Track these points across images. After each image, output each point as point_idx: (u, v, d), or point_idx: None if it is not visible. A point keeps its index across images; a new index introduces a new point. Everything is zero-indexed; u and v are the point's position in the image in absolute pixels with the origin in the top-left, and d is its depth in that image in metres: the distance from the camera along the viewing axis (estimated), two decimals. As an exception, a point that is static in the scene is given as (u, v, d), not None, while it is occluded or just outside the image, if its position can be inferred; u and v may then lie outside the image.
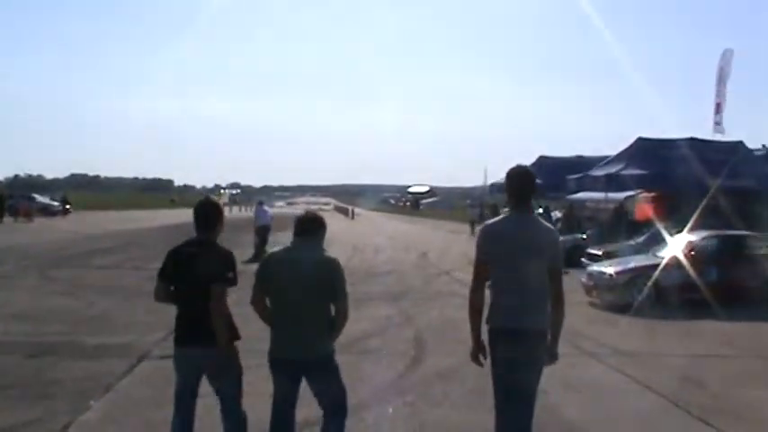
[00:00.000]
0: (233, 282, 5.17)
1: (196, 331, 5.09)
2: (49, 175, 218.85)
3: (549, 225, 5.47)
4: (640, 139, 25.71)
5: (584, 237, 23.08)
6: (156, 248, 26.06)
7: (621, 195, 24.83)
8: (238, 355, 5.28)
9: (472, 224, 53.85)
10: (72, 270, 19.10)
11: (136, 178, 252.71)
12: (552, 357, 5.04)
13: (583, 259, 19.18)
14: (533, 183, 5.27)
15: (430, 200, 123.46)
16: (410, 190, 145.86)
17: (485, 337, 5.03)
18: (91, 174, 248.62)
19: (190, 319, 5.17)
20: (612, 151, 28.68)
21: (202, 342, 5.06)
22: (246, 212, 72.81)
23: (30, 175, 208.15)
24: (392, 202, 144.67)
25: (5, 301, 13.67)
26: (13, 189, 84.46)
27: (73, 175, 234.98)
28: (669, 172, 23.27)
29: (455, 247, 30.45)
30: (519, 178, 5.16)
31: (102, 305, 13.47)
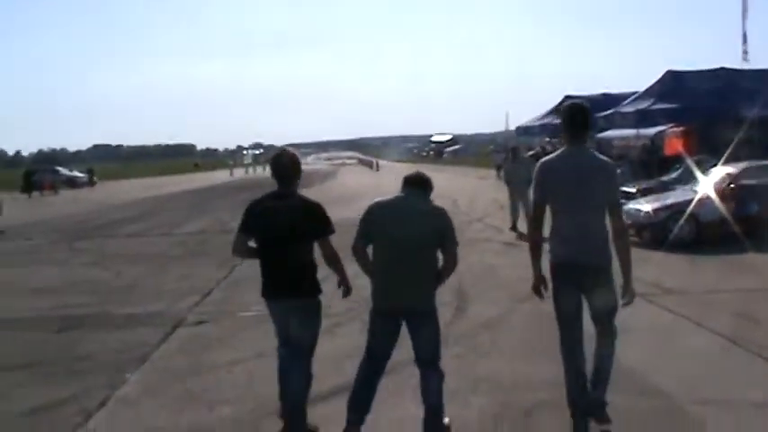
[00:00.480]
0: (333, 230, 5.34)
1: (283, 282, 5.20)
2: (72, 148, 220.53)
3: (605, 158, 5.37)
4: (669, 72, 24.91)
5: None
6: (181, 213, 26.16)
7: (652, 131, 24.21)
8: (321, 309, 5.36)
9: (498, 168, 53.53)
10: (99, 240, 18.89)
11: (158, 145, 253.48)
12: (630, 295, 5.07)
13: (616, 197, 18.78)
14: (588, 117, 5.30)
15: (453, 148, 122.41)
16: (433, 139, 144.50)
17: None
18: (114, 144, 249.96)
19: (277, 271, 5.23)
20: (639, 87, 28.06)
21: (289, 292, 5.18)
22: (269, 171, 72.45)
23: (53, 150, 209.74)
24: (415, 152, 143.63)
25: (31, 275, 13.52)
26: (38, 164, 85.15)
27: (96, 147, 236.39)
28: (700, 104, 22.59)
29: (484, 193, 30.02)
30: (572, 113, 5.24)
31: (132, 274, 13.22)
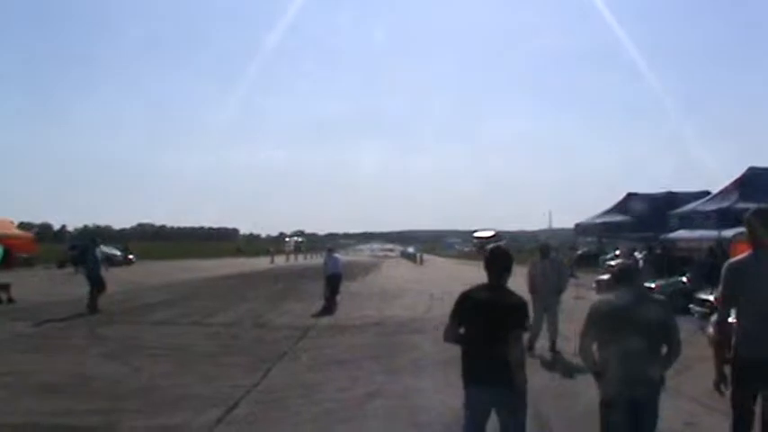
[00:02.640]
0: (527, 329, 5.62)
1: (491, 371, 5.26)
2: (117, 226, 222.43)
3: None
4: (752, 169, 22.96)
5: (684, 280, 20.65)
6: (216, 301, 24.67)
7: (730, 233, 22.28)
8: (526, 396, 5.36)
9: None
10: (124, 327, 17.37)
11: (201, 228, 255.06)
12: None
13: (691, 306, 16.84)
14: None
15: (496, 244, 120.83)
16: (476, 234, 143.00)
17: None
18: (157, 224, 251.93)
19: (484, 360, 5.33)
20: (699, 187, 26.37)
21: (496, 382, 5.24)
22: (311, 260, 71.58)
23: (98, 226, 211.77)
24: (456, 247, 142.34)
25: (41, 367, 11.79)
26: (83, 239, 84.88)
27: (140, 225, 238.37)
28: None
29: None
30: (763, 219, 5.42)
31: (152, 371, 11.55)
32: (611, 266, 29.76)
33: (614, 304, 5.42)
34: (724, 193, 23.44)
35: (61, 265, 51.10)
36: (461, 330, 5.54)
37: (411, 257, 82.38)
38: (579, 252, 58.14)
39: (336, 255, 25.17)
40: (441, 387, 10.19)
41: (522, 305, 5.49)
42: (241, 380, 10.78)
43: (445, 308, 20.40)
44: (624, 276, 5.51)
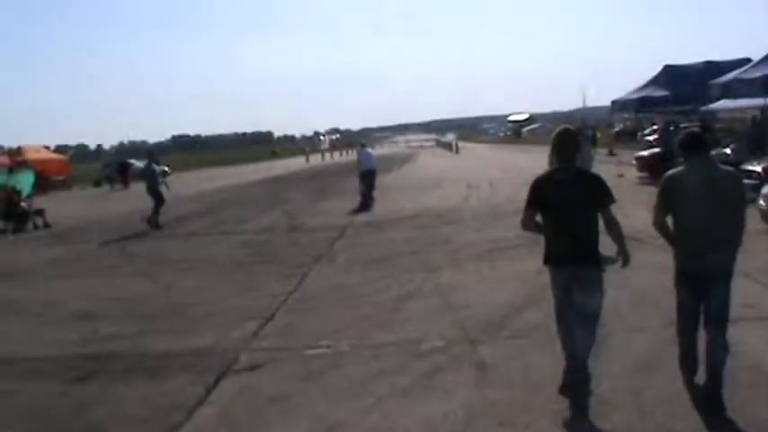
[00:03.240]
0: (614, 199, 5.39)
1: (575, 251, 5.29)
2: (153, 140, 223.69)
3: None
4: None
5: (728, 152, 19.50)
6: (249, 207, 24.22)
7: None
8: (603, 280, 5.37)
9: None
10: (156, 242, 17.06)
11: (236, 134, 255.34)
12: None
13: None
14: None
15: (531, 126, 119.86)
16: (510, 118, 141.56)
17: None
18: (192, 134, 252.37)
19: (568, 241, 5.30)
20: (743, 54, 24.92)
21: (579, 261, 5.30)
22: (347, 156, 71.05)
23: (133, 142, 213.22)
24: (491, 132, 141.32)
25: (69, 293, 11.40)
26: (120, 156, 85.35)
27: (174, 137, 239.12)
28: None
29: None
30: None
31: (183, 288, 11.15)
32: (650, 142, 28.72)
33: (688, 174, 5.24)
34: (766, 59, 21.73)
35: (96, 183, 51.44)
36: (538, 218, 5.51)
37: (446, 146, 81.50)
38: (616, 129, 56.81)
39: (369, 150, 24.45)
40: (474, 283, 9.76)
41: (600, 178, 5.52)
42: (278, 288, 10.35)
43: (482, 196, 19.85)
44: (694, 145, 5.26)
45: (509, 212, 15.50)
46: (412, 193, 24.73)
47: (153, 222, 19.58)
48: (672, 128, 25.80)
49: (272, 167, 57.84)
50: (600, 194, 5.30)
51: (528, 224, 5.56)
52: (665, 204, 5.32)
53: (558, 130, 5.57)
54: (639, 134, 41.87)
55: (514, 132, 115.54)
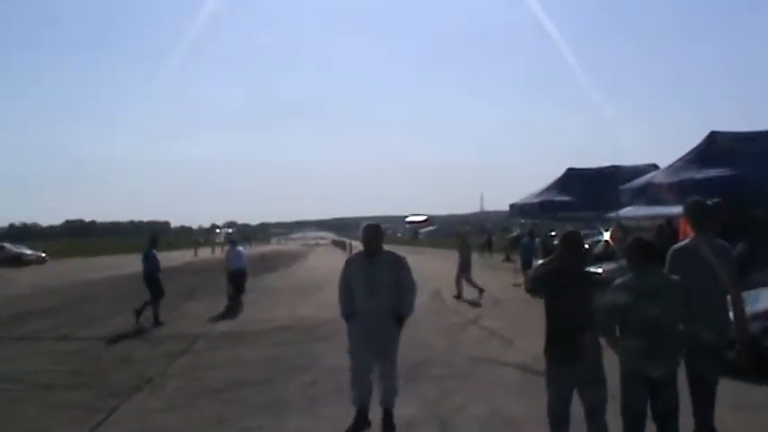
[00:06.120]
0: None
1: (572, 348, 5.48)
2: (45, 223, 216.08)
3: None
4: (714, 134, 19.76)
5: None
6: (108, 305, 21.44)
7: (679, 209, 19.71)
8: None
9: (482, 250, 49.26)
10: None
11: (132, 221, 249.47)
12: None
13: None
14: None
15: (428, 229, 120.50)
16: (408, 219, 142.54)
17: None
18: (87, 219, 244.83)
19: (575, 338, 5.46)
20: (643, 160, 24.07)
21: (578, 357, 5.48)
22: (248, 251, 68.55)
23: (25, 224, 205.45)
24: (389, 232, 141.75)
25: None
26: (9, 238, 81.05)
27: (68, 222, 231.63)
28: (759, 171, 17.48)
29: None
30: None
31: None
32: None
33: (636, 284, 5.46)
34: (683, 162, 20.29)
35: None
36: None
37: (341, 245, 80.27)
38: (513, 234, 55.86)
39: (240, 247, 21.96)
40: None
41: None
42: None
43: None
44: (641, 253, 5.55)
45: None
46: (289, 298, 22.37)
47: (156, 318, 17.18)
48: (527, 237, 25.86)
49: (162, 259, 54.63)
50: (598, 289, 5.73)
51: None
52: (612, 312, 5.50)
53: (565, 234, 6.04)
54: (538, 239, 40.90)
55: (412, 233, 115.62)
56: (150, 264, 17.65)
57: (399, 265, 7.56)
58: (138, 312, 17.07)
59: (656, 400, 5.46)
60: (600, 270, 13.00)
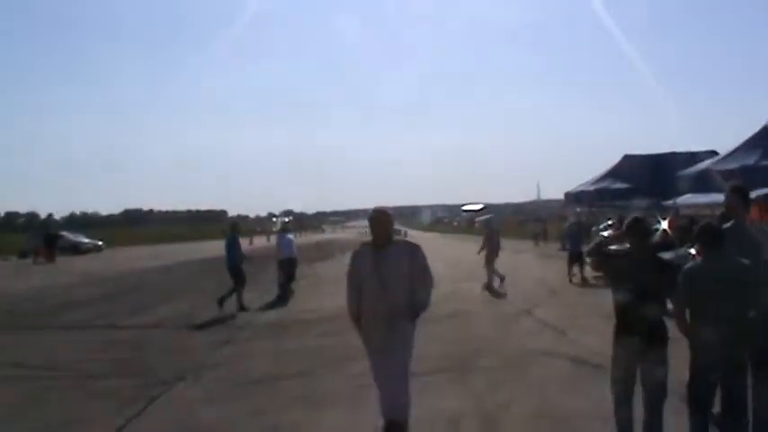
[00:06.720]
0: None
1: (640, 323, 5.32)
2: (104, 212, 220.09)
3: None
4: None
5: (693, 252, 17.45)
6: (153, 294, 21.62)
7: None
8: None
9: (536, 238, 48.90)
10: (23, 335, 14.42)
11: (189, 211, 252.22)
12: None
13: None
14: None
15: (485, 217, 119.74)
16: (464, 208, 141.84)
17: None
18: (145, 208, 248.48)
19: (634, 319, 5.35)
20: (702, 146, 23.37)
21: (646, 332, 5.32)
22: (296, 239, 68.70)
23: (85, 213, 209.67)
24: (445, 221, 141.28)
25: None
26: (69, 227, 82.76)
27: (126, 211, 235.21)
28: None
29: (524, 269, 25.15)
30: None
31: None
32: (605, 237, 26.66)
33: (707, 269, 5.41)
34: (742, 149, 19.52)
35: (22, 255, 49.11)
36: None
37: (396, 233, 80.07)
38: (568, 223, 54.85)
39: (290, 236, 21.73)
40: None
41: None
42: (103, 422, 7.71)
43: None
44: (710, 239, 5.54)
45: (442, 317, 13.26)
46: (340, 287, 22.16)
47: (240, 304, 17.32)
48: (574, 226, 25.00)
49: (213, 248, 55.17)
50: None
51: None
52: (683, 299, 5.49)
53: (631, 221, 5.80)
54: (593, 229, 40.22)
55: (468, 222, 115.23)
56: (232, 252, 17.81)
57: (413, 255, 6.49)
58: (221, 300, 17.17)
59: (725, 388, 5.41)
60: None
